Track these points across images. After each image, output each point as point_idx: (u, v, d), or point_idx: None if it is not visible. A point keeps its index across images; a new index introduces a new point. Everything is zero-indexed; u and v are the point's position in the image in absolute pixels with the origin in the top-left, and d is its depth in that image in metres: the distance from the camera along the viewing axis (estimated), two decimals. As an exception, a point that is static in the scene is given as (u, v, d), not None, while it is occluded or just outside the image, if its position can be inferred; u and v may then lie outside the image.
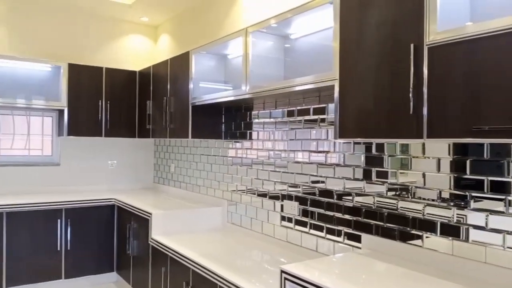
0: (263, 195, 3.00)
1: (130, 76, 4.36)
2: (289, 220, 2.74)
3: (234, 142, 3.37)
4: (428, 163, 1.93)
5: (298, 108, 2.71)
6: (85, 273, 3.87)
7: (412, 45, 1.58)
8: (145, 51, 4.84)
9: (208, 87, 3.37)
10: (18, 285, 3.57)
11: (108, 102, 4.22)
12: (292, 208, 2.71)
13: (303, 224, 2.63)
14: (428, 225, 1.93)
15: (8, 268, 3.52)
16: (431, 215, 1.92)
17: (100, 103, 4.17)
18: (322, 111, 2.53)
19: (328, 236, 2.45)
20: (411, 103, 1.58)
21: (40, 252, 3.65)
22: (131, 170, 4.73)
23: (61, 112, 4.16)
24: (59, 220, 3.73)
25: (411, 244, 1.99)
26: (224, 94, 2.85)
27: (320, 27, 2.48)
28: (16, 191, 4.07)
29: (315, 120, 2.58)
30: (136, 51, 4.78)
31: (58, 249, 3.73)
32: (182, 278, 2.63)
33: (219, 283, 2.22)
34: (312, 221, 2.56)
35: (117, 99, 4.27)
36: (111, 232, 4.00)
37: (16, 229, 3.55)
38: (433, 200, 1.91)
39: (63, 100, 3.99)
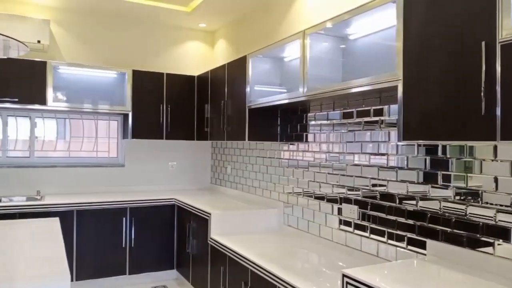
0: (320, 197, 2.98)
1: (189, 80, 4.51)
2: (348, 224, 2.70)
3: (290, 144, 3.38)
4: (500, 167, 1.82)
5: (358, 109, 2.67)
6: (147, 270, 4.05)
7: (483, 43, 1.51)
8: (203, 56, 4.99)
9: (263, 90, 3.40)
10: (86, 279, 3.81)
11: (169, 106, 4.39)
12: (351, 212, 2.67)
13: (363, 228, 2.58)
14: (500, 232, 1.82)
15: (78, 262, 3.77)
16: (504, 222, 1.81)
17: (161, 107, 4.36)
18: (382, 112, 2.47)
19: (390, 241, 2.39)
20: (483, 104, 1.50)
21: (106, 249, 3.88)
22: (190, 171, 4.89)
23: (125, 116, 4.40)
24: (124, 219, 3.94)
25: (481, 251, 1.89)
26: (282, 97, 2.87)
27: (380, 27, 2.43)
28: (85, 190, 4.36)
29: (375, 122, 2.53)
30: (194, 56, 4.94)
31: (123, 246, 3.94)
32: (241, 278, 2.68)
33: (277, 284, 2.23)
34: (373, 225, 2.51)
35: (177, 103, 4.44)
36: (171, 230, 4.16)
37: (85, 226, 3.79)
38: (506, 206, 1.80)
39: (127, 104, 4.22)
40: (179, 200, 4.05)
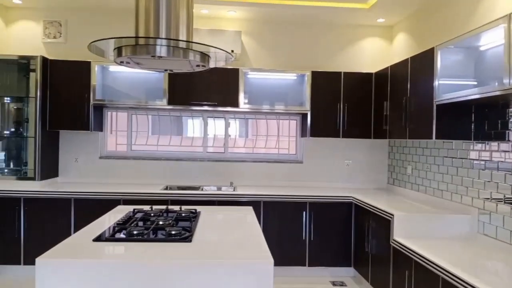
0: (528, 205, 2.58)
1: (366, 78, 4.46)
2: None
3: (487, 143, 3.01)
4: None
5: None
6: (325, 264, 4.17)
7: None
8: (380, 53, 4.86)
9: (453, 84, 3.12)
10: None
11: (346, 104, 4.43)
12: None
13: None
14: None
15: (264, 250, 4.13)
16: None
17: (338, 106, 4.42)
18: None
19: None
20: None
21: (288, 239, 4.14)
22: (365, 170, 4.83)
23: (304, 115, 4.61)
24: (304, 212, 4.14)
25: None
26: (482, 90, 2.58)
27: None
28: (268, 183, 4.74)
29: None
30: (371, 53, 4.85)
31: (303, 238, 4.15)
32: (429, 285, 2.52)
33: (478, 297, 2.03)
34: None
35: (354, 102, 4.44)
36: (348, 228, 4.18)
37: (269, 216, 4.13)
38: None
39: (307, 104, 4.42)
40: (357, 199, 4.05)
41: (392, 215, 3.19)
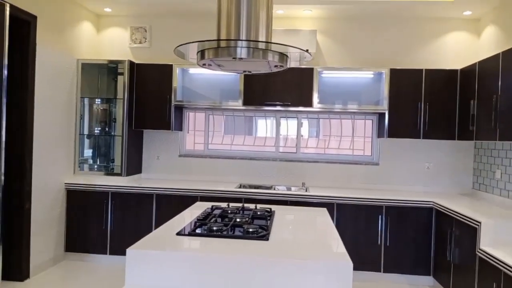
0: None
1: (450, 75, 4.19)
2: None
3: None
4: None
5: None
6: (401, 271, 4.00)
7: None
8: (466, 48, 4.53)
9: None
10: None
11: (427, 103, 4.20)
12: None
13: None
14: None
15: (337, 252, 4.06)
16: None
17: (418, 105, 4.21)
18: None
19: None
20: None
21: (362, 243, 4.03)
22: (447, 174, 4.54)
23: (381, 115, 4.45)
24: (379, 216, 4.00)
25: None
26: None
27: None
28: (342, 185, 4.65)
29: None
30: (456, 48, 4.55)
31: (378, 243, 4.01)
32: (525, 300, 2.31)
33: None
34: None
35: (436, 100, 4.20)
36: (428, 234, 3.96)
37: (343, 219, 4.04)
38: None
39: (384, 104, 4.26)
40: (438, 204, 3.82)
41: (479, 222, 2.96)
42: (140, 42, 4.81)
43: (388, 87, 4.26)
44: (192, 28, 4.78)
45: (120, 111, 4.50)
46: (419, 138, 4.22)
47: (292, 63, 2.61)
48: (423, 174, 4.57)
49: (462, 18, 4.48)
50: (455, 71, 4.19)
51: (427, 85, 4.21)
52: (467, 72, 3.98)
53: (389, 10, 4.30)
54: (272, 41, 2.44)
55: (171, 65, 4.47)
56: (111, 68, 4.68)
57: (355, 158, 4.74)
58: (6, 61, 3.33)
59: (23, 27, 3.62)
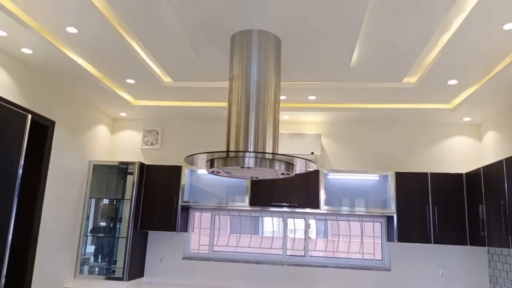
0: None
1: (456, 179, 4.22)
2: None
3: None
4: None
5: None
6: None
7: None
8: (469, 152, 4.63)
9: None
10: None
11: (436, 207, 4.16)
12: None
13: None
14: None
15: None
16: None
17: (427, 209, 4.17)
18: None
19: None
20: None
21: None
22: (463, 281, 4.31)
23: (389, 218, 4.40)
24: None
25: None
26: None
27: None
28: (353, 292, 4.42)
29: None
30: (459, 152, 4.65)
31: None
32: None
33: None
34: None
35: (444, 204, 4.17)
36: None
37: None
38: None
39: (392, 206, 4.23)
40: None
41: None
42: (151, 144, 4.99)
43: (394, 189, 4.27)
44: (202, 131, 4.99)
45: (126, 211, 4.50)
46: (430, 243, 4.10)
47: (297, 170, 2.67)
48: (438, 281, 4.35)
49: (463, 123, 4.66)
50: (460, 175, 4.23)
51: (433, 188, 4.22)
52: (473, 177, 4.02)
53: (390, 115, 4.50)
54: (279, 145, 2.53)
55: (180, 166, 4.57)
56: (121, 169, 4.79)
57: (365, 262, 4.57)
58: (22, 162, 3.44)
59: (41, 131, 3.81)
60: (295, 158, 2.32)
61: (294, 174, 2.58)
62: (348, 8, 2.45)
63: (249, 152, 2.25)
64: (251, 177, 2.74)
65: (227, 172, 2.57)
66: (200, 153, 2.23)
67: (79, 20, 2.79)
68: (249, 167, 2.30)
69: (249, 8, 2.49)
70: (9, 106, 2.84)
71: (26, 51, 3.19)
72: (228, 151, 2.22)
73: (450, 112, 4.27)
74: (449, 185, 4.22)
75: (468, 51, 2.99)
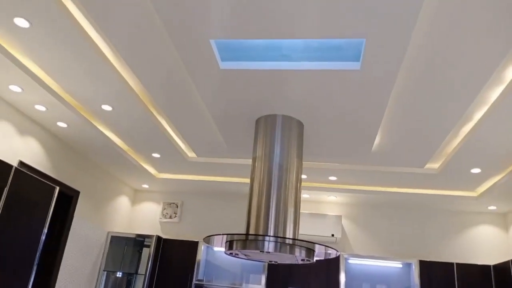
0: None
1: (483, 271, 4.01)
2: None
3: None
4: None
5: None
6: None
7: None
8: (496, 242, 4.44)
9: None
10: None
11: (463, 301, 3.92)
12: None
13: None
14: None
15: None
16: None
17: (454, 302, 3.92)
18: None
19: None
20: None
21: None
22: None
23: (413, 309, 4.14)
24: None
25: None
26: None
27: None
28: None
29: None
30: (485, 242, 4.46)
31: None
32: None
33: None
34: None
35: (472, 298, 3.92)
36: None
37: None
38: None
39: (416, 297, 4.00)
40: None
41: None
42: (170, 217, 4.99)
43: (418, 278, 4.06)
44: (222, 207, 4.99)
45: (139, 286, 4.38)
46: None
47: (318, 257, 2.61)
48: None
49: (488, 212, 4.52)
50: (488, 267, 4.02)
51: (459, 280, 4.00)
52: (501, 270, 3.81)
53: (413, 201, 4.42)
54: (299, 227, 2.50)
55: (197, 242, 4.52)
56: (138, 241, 4.76)
57: None
58: (45, 230, 3.48)
59: (66, 200, 3.89)
60: (316, 245, 2.28)
61: (314, 260, 2.52)
62: (370, 96, 2.54)
63: (269, 236, 2.23)
64: (270, 261, 2.68)
65: (245, 255, 2.53)
66: (219, 235, 2.22)
67: (114, 99, 2.98)
68: (269, 252, 2.26)
69: (274, 96, 2.62)
70: (40, 178, 2.95)
71: (62, 124, 3.37)
72: (247, 234, 2.21)
73: (475, 200, 4.17)
74: (476, 277, 4.00)
75: (490, 142, 3.01)
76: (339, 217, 4.50)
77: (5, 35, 2.35)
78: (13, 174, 2.60)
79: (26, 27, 2.24)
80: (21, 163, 3.27)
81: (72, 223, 3.91)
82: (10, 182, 2.58)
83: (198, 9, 1.93)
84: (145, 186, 5.01)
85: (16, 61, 2.53)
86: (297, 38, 2.05)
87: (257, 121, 2.94)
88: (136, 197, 5.20)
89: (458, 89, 2.43)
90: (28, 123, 3.31)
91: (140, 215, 5.10)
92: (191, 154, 4.12)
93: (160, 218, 5.02)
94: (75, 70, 2.63)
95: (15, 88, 2.83)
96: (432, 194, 4.19)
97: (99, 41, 2.43)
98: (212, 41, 2.16)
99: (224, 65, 2.36)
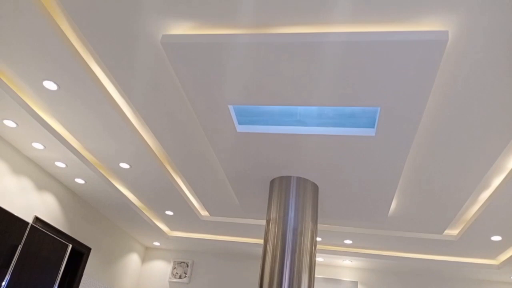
0: None
1: None
2: None
3: None
4: None
5: None
6: None
7: None
8: (523, 315, 4.17)
9: None
10: None
11: None
12: None
13: None
14: None
15: None
16: None
17: None
18: None
19: None
20: None
21: None
22: None
23: None
24: None
25: None
26: None
27: None
28: None
29: None
30: (511, 315, 4.19)
31: None
32: None
33: None
34: None
35: None
36: None
37: None
38: None
39: None
40: None
41: None
42: (180, 277, 4.87)
43: None
44: (233, 268, 4.86)
45: None
46: None
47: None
48: None
49: (509, 282, 4.30)
50: None
51: None
52: None
53: (431, 268, 4.25)
54: (314, 302, 2.40)
55: (207, 305, 4.36)
56: (146, 301, 4.62)
57: None
58: (56, 287, 3.42)
59: (77, 257, 3.85)
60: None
61: (329, 331, 2.39)
62: (385, 161, 2.54)
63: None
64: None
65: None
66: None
67: (133, 157, 3.04)
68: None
69: (289, 159, 2.64)
70: (54, 236, 2.96)
71: (79, 181, 3.43)
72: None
73: (496, 269, 3.99)
74: None
75: (510, 209, 2.93)
76: (355, 283, 4.33)
77: (34, 96, 2.47)
78: (28, 232, 2.62)
79: (54, 90, 2.36)
80: (36, 219, 3.29)
81: (81, 283, 3.84)
82: (25, 240, 2.59)
83: (217, 77, 2.02)
84: (157, 243, 4.94)
85: (42, 121, 2.64)
86: (311, 106, 2.10)
87: (272, 182, 2.95)
88: (147, 255, 5.12)
89: (475, 155, 2.43)
90: (47, 178, 3.38)
91: (150, 274, 4.99)
92: (204, 212, 4.10)
93: (170, 278, 4.89)
94: (97, 129, 2.73)
95: (38, 145, 2.93)
96: (451, 261, 4.03)
97: (121, 103, 2.53)
98: (230, 107, 2.23)
99: (241, 129, 2.42)
